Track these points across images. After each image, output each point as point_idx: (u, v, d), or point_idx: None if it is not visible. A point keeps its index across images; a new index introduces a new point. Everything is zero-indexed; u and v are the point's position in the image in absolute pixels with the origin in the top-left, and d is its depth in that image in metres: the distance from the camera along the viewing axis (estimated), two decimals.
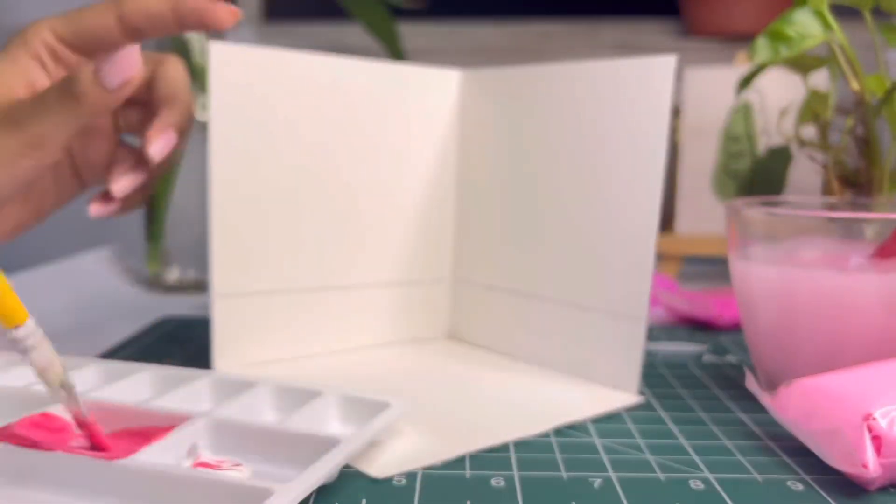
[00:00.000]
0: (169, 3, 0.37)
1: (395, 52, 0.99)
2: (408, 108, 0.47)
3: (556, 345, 0.44)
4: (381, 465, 0.31)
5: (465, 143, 0.49)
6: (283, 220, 0.43)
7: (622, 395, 0.40)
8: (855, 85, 0.48)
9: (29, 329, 0.27)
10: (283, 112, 0.42)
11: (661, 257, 0.77)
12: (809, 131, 0.58)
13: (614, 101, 0.40)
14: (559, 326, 0.44)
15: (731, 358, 0.48)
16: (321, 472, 0.26)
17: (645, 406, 0.39)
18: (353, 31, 1.11)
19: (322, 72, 0.43)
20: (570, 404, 0.38)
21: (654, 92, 0.39)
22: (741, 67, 0.70)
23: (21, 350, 0.27)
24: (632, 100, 0.40)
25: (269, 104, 0.42)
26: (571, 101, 0.42)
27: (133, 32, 0.37)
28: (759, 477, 0.31)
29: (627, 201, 0.40)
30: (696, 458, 0.32)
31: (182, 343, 0.49)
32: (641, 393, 0.40)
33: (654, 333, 0.54)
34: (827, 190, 0.54)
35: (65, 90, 0.34)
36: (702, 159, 0.74)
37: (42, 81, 0.38)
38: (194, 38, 0.64)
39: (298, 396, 0.34)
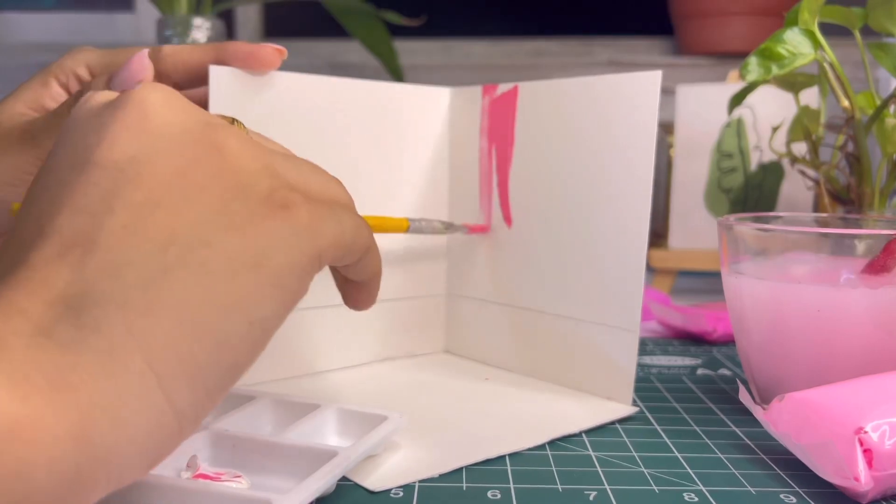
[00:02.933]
0: (210, 54, 0.37)
1: (393, 68, 1.00)
2: (401, 125, 0.47)
3: (550, 357, 0.45)
4: (378, 478, 0.31)
5: (457, 159, 0.50)
6: None
7: (616, 407, 0.40)
8: (845, 102, 0.49)
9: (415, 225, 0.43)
10: (279, 131, 0.43)
11: (655, 272, 0.77)
12: (801, 148, 0.58)
13: (602, 116, 0.41)
14: (553, 339, 0.44)
15: (724, 371, 0.49)
16: (319, 483, 0.27)
17: (639, 419, 0.39)
18: (352, 48, 1.12)
19: (317, 91, 0.44)
20: (565, 416, 0.39)
21: (641, 107, 0.39)
22: (733, 85, 0.71)
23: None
24: (619, 115, 0.40)
25: (266, 123, 0.42)
26: (560, 117, 0.43)
27: (168, 81, 0.37)
28: (752, 490, 0.31)
29: (618, 214, 0.40)
30: (690, 471, 0.33)
31: None
32: (635, 405, 0.40)
33: (648, 347, 0.54)
34: (818, 206, 0.54)
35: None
36: (695, 175, 0.75)
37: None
38: None
39: (297, 410, 0.35)
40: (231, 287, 0.22)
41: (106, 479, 0.20)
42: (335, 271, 0.30)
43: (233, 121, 0.27)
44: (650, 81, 0.39)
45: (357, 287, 0.30)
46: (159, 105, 0.23)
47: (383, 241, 0.48)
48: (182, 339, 0.21)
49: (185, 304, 0.21)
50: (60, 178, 0.22)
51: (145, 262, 0.21)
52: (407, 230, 0.43)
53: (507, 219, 0.47)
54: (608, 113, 0.41)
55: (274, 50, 0.38)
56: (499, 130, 0.47)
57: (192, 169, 0.22)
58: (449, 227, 0.46)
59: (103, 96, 0.24)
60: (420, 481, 0.31)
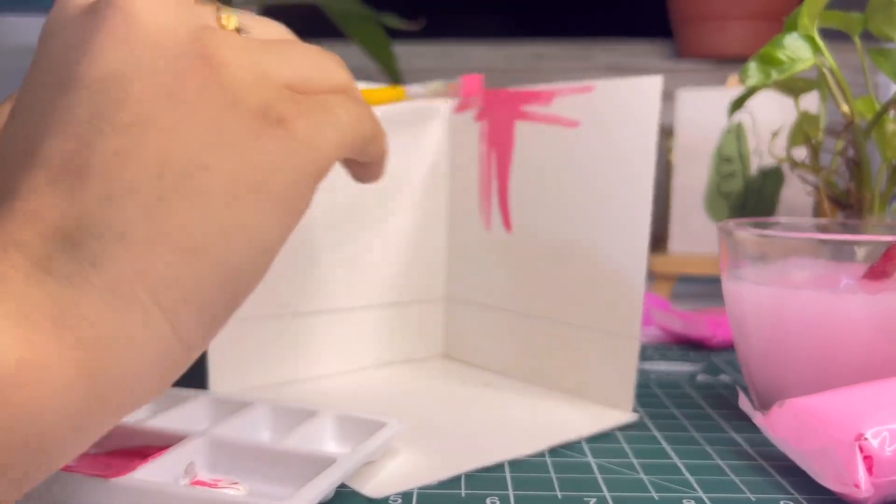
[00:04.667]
0: None
1: (392, 72, 1.00)
2: (400, 130, 0.47)
3: (550, 363, 0.45)
4: (377, 485, 0.31)
5: (456, 163, 0.50)
6: None
7: (617, 413, 0.40)
8: (844, 108, 0.49)
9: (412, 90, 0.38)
10: None
11: (655, 277, 0.77)
12: (801, 153, 0.58)
13: (603, 121, 0.41)
14: (553, 345, 0.44)
15: (724, 377, 0.48)
16: (317, 490, 0.26)
17: (639, 426, 0.39)
18: (351, 52, 1.12)
19: None
20: (565, 423, 0.39)
21: (641, 112, 0.39)
22: (733, 89, 0.71)
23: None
24: (620, 119, 0.40)
25: None
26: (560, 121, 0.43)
27: None
28: (752, 496, 0.31)
29: (618, 219, 0.40)
30: (690, 478, 0.33)
31: None
32: (635, 411, 0.40)
33: (647, 353, 0.54)
34: (818, 211, 0.54)
35: None
36: (694, 180, 0.75)
37: None
38: None
39: (295, 416, 0.34)
40: (231, 212, 0.21)
41: (114, 411, 0.20)
42: None
43: (218, 7, 0.25)
44: (651, 87, 0.39)
45: (362, 165, 0.29)
46: (144, 8, 0.22)
47: (383, 248, 0.48)
48: (184, 268, 0.20)
49: (186, 231, 0.20)
50: (43, 97, 0.21)
51: (141, 190, 0.20)
52: (405, 98, 0.39)
53: (507, 224, 0.47)
54: (608, 118, 0.41)
55: None
56: (498, 135, 0.47)
57: (181, 84, 0.21)
58: (442, 88, 0.42)
59: None
60: (419, 488, 0.31)
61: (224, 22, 0.24)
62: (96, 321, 0.19)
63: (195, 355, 0.22)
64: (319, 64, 0.25)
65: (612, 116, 0.41)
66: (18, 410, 0.17)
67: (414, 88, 0.40)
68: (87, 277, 0.19)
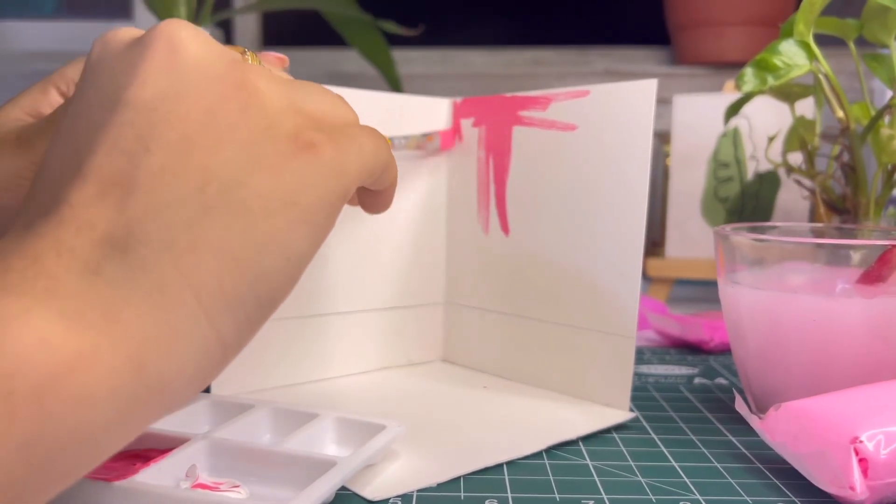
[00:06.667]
0: None
1: (391, 77, 1.00)
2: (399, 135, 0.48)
3: (547, 365, 0.45)
4: (377, 487, 0.31)
5: (455, 167, 0.50)
6: None
7: (614, 412, 0.40)
8: (840, 113, 0.50)
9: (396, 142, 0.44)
10: None
11: (652, 281, 0.78)
12: (797, 158, 0.59)
13: (599, 124, 0.41)
14: (550, 346, 0.44)
15: (721, 381, 0.49)
16: (318, 493, 0.27)
17: (636, 428, 0.39)
18: (350, 57, 1.13)
19: None
20: (562, 423, 0.39)
21: (637, 115, 0.40)
22: (730, 95, 0.72)
23: None
24: (616, 122, 0.41)
25: None
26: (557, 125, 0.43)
27: None
28: (748, 499, 0.31)
29: (614, 220, 0.41)
30: (687, 480, 0.33)
31: None
32: (632, 411, 0.40)
33: (645, 356, 0.55)
34: (814, 215, 0.55)
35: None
36: (691, 184, 0.75)
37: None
38: None
39: (296, 419, 0.35)
40: (268, 225, 0.23)
41: (158, 406, 0.21)
42: None
43: (244, 51, 0.28)
44: (646, 90, 0.40)
45: (373, 194, 0.31)
46: (188, 41, 0.24)
47: (383, 253, 0.48)
48: (225, 275, 0.22)
49: (227, 241, 0.22)
50: (92, 117, 0.23)
51: (186, 203, 0.22)
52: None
53: (505, 228, 0.47)
54: (604, 121, 0.41)
55: (276, 58, 0.38)
56: (496, 141, 0.47)
57: (222, 107, 0.23)
58: (422, 140, 0.47)
59: (126, 33, 0.25)
60: (418, 490, 0.31)
61: (250, 61, 0.27)
62: (145, 319, 0.21)
63: (231, 358, 0.23)
64: (333, 101, 0.28)
65: (608, 119, 0.41)
66: (72, 395, 0.19)
67: (397, 140, 0.45)
68: (135, 279, 0.21)
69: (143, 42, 0.24)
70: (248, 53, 0.28)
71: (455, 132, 0.49)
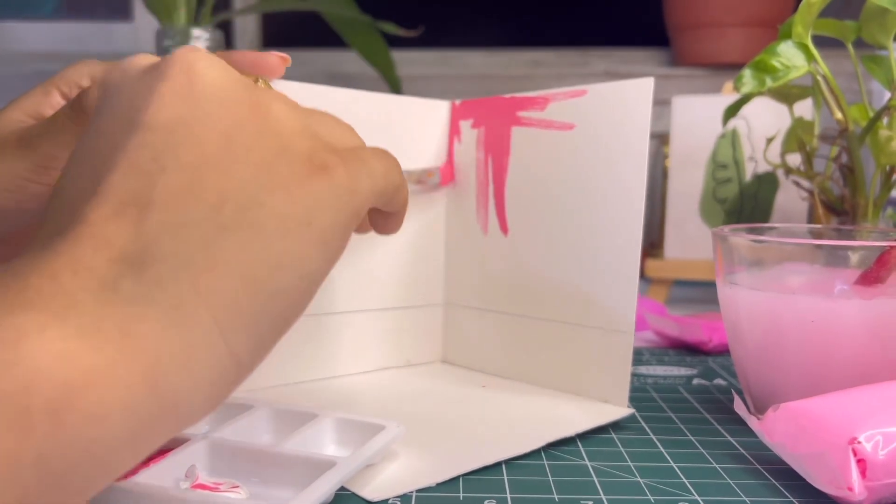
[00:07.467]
0: None
1: (391, 78, 1.00)
2: (399, 136, 0.48)
3: (546, 362, 0.45)
4: (376, 488, 0.31)
5: (455, 168, 0.50)
6: None
7: (612, 409, 0.40)
8: (838, 115, 0.50)
9: None
10: None
11: (651, 282, 0.78)
12: (795, 159, 0.59)
13: (597, 124, 0.42)
14: (548, 344, 0.45)
15: (719, 381, 0.49)
16: (317, 493, 0.27)
17: (635, 428, 0.40)
18: (350, 59, 1.13)
19: (314, 101, 0.44)
20: (561, 419, 0.39)
21: (634, 113, 0.40)
22: (728, 96, 0.72)
23: None
24: (613, 121, 0.41)
25: None
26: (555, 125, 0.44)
27: None
28: (747, 499, 0.31)
29: (612, 217, 0.41)
30: (686, 481, 0.33)
31: None
32: (630, 407, 0.41)
33: (644, 357, 0.55)
34: (813, 216, 0.55)
35: (74, 107, 0.34)
36: (690, 185, 0.75)
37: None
38: None
39: (295, 419, 0.35)
40: (283, 245, 0.23)
41: (174, 423, 0.21)
42: None
43: (256, 79, 0.29)
44: (643, 88, 0.40)
45: (385, 216, 0.32)
46: (205, 66, 0.24)
47: (382, 253, 0.48)
48: (241, 294, 0.22)
49: (243, 261, 0.22)
50: (110, 139, 0.23)
51: (202, 222, 0.22)
52: None
53: (504, 227, 0.47)
54: (602, 120, 0.41)
55: (279, 58, 0.39)
56: (495, 142, 0.47)
57: (238, 130, 0.24)
58: (422, 175, 0.48)
59: (144, 59, 0.25)
60: (417, 491, 0.31)
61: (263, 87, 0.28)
62: (160, 336, 0.21)
63: (245, 376, 0.23)
64: (342, 126, 0.29)
65: (606, 118, 0.41)
66: (87, 410, 0.19)
67: None
68: (151, 297, 0.21)
69: (160, 67, 0.24)
70: (260, 80, 0.29)
71: (452, 165, 0.50)
